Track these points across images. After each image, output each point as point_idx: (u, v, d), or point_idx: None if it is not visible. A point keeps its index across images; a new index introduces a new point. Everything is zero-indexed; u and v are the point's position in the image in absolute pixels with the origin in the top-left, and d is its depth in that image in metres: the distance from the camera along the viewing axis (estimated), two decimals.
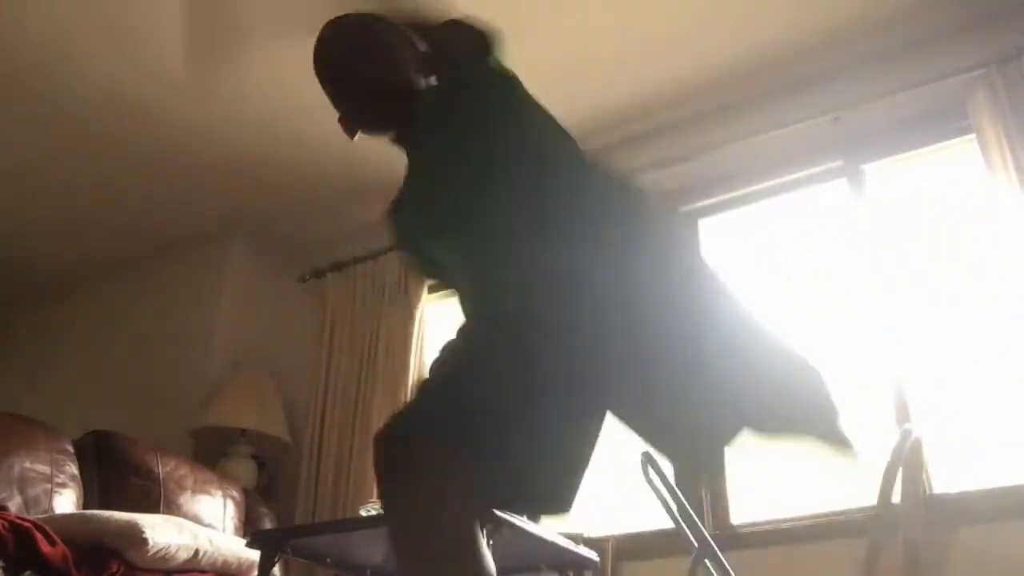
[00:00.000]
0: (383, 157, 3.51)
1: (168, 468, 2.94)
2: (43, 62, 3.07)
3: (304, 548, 2.41)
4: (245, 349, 3.81)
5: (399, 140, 1.55)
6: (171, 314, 3.99)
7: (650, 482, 2.20)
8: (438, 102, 1.46)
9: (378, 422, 3.29)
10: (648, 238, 1.28)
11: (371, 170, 3.60)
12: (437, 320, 3.59)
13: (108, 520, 2.29)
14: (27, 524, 2.04)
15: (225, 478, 3.21)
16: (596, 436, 1.25)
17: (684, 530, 2.17)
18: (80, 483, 2.67)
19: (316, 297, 3.86)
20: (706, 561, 2.10)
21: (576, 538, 2.60)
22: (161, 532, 2.31)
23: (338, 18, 1.55)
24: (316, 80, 1.58)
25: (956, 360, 2.65)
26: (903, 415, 2.57)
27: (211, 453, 3.45)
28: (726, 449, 1.20)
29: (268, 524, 3.17)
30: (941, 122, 2.88)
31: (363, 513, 2.44)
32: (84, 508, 2.62)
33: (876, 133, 2.98)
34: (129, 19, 2.89)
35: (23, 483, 2.45)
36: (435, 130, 1.42)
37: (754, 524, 2.69)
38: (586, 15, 2.85)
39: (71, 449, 2.71)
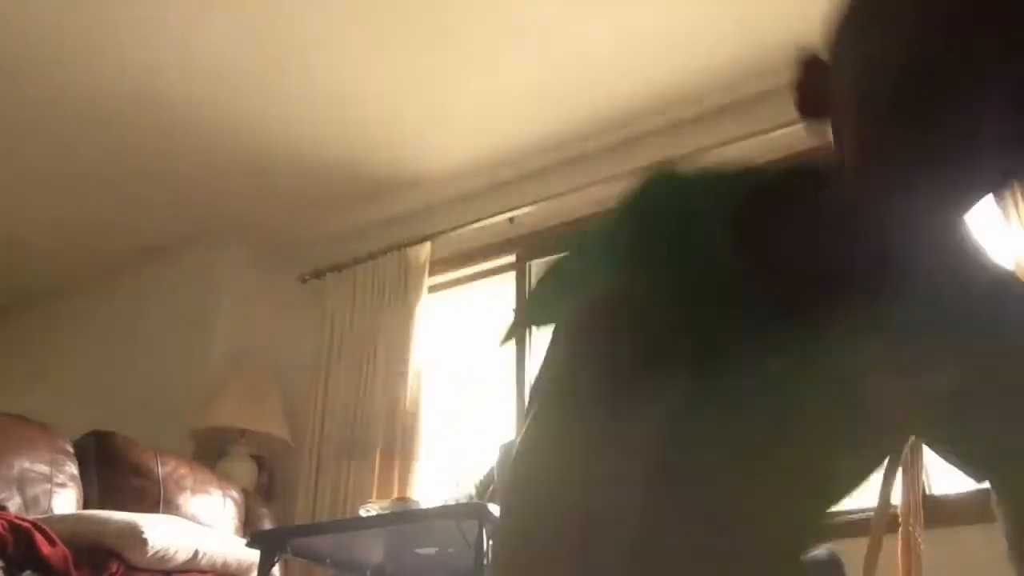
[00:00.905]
0: (382, 158, 3.54)
1: (168, 468, 2.94)
2: (42, 62, 3.07)
3: (304, 548, 2.42)
4: (245, 349, 3.81)
5: None
6: (171, 314, 3.99)
7: None
8: None
9: (378, 422, 3.30)
10: None
11: (371, 171, 3.61)
12: (436, 320, 3.60)
13: (108, 520, 2.29)
14: (27, 524, 2.04)
15: (225, 478, 3.21)
16: None
17: None
18: (80, 483, 2.67)
19: (316, 297, 3.86)
20: None
21: None
22: (161, 532, 2.31)
23: None
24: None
25: None
26: None
27: (211, 453, 3.45)
28: None
29: (268, 524, 3.17)
30: None
31: (363, 513, 2.45)
32: (84, 508, 2.62)
33: None
34: (128, 19, 2.89)
35: (23, 483, 2.45)
36: None
37: None
38: (586, 17, 2.85)
39: (71, 449, 2.71)
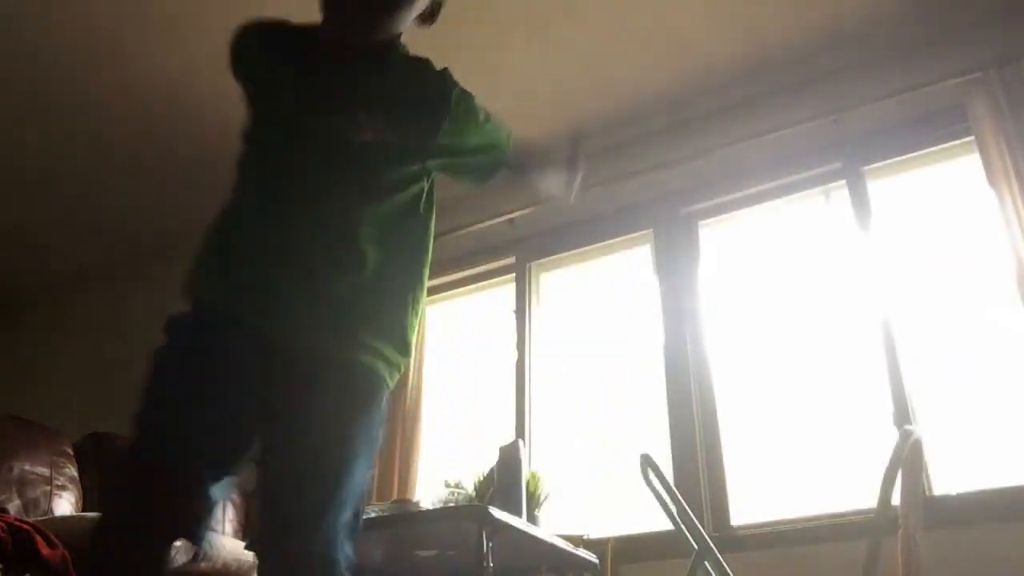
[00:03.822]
0: None
1: None
2: (43, 64, 3.07)
3: None
4: None
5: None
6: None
7: (649, 484, 2.20)
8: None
9: None
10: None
11: None
12: (435, 320, 3.59)
13: None
14: (26, 526, 2.04)
15: None
16: None
17: (684, 532, 2.16)
18: (79, 485, 2.67)
19: None
20: (706, 563, 2.10)
21: (576, 540, 2.61)
22: None
23: None
24: None
25: (956, 362, 2.65)
26: (903, 416, 2.57)
27: None
28: None
29: None
30: (940, 124, 2.88)
31: None
32: (83, 510, 2.61)
33: (876, 135, 2.98)
34: (130, 20, 2.89)
35: (23, 485, 2.45)
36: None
37: (754, 526, 2.69)
38: (588, 18, 2.85)
39: (71, 451, 2.70)
